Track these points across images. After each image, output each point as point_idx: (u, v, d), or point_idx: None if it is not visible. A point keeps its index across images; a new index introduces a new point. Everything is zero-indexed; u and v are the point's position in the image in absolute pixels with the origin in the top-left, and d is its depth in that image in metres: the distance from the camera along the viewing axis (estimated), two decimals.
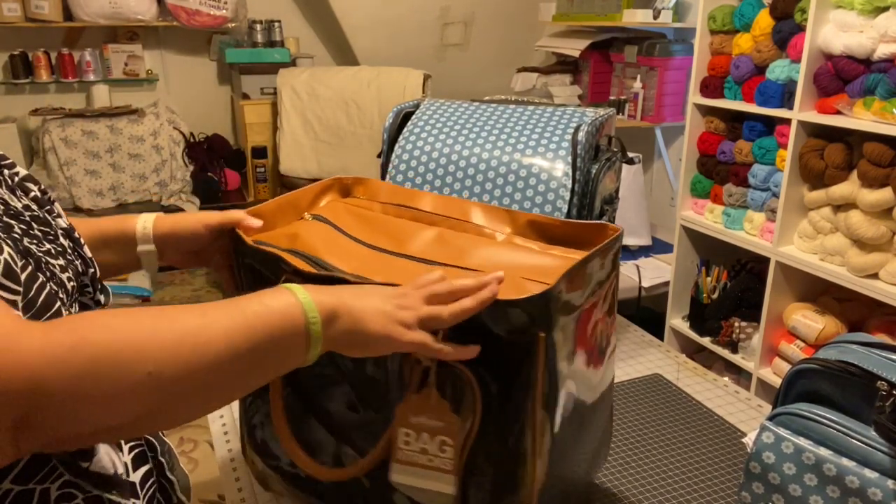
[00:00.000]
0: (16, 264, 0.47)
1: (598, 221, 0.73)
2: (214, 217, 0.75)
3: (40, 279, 0.49)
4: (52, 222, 0.57)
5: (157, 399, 0.45)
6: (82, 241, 0.59)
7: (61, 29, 2.79)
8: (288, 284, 0.55)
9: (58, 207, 0.60)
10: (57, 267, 0.53)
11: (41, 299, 0.48)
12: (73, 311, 0.54)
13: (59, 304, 0.50)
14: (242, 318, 0.50)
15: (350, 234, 0.76)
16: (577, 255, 0.67)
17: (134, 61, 2.91)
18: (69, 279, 0.54)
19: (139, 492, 0.58)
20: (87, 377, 0.42)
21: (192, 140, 2.96)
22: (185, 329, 0.47)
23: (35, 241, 0.52)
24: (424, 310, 0.58)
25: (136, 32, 2.91)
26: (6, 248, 0.47)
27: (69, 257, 0.56)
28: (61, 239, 0.56)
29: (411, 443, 0.62)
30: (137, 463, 0.59)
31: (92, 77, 2.85)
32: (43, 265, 0.51)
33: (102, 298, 0.60)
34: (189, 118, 3.02)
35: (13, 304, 0.46)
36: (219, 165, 2.97)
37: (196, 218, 0.75)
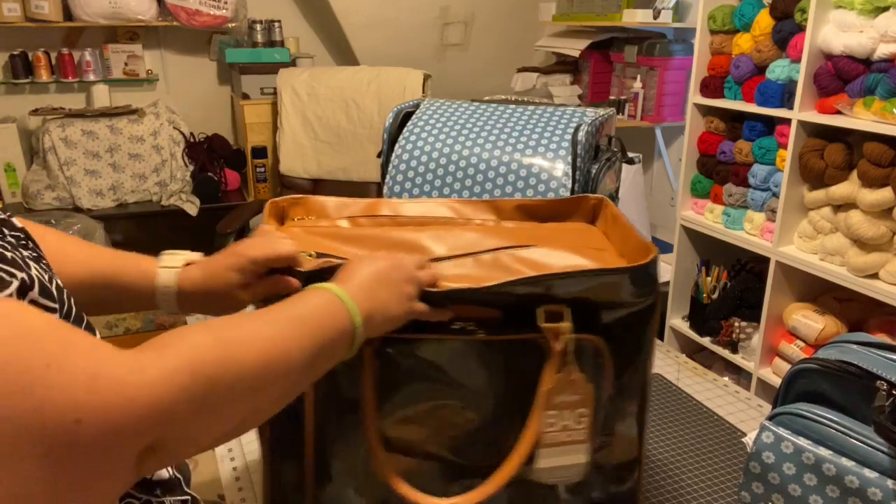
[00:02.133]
0: (45, 279, 0.47)
1: (578, 195, 0.82)
2: (256, 254, 0.65)
3: (64, 290, 0.49)
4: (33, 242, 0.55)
5: (256, 406, 0.49)
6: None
7: (61, 29, 2.79)
8: (323, 285, 0.58)
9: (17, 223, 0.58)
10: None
11: (75, 309, 0.49)
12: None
13: (84, 312, 0.51)
14: (305, 326, 0.53)
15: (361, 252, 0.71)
16: (572, 226, 0.79)
17: (134, 61, 2.91)
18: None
19: (185, 488, 0.62)
20: (209, 398, 0.44)
21: (192, 140, 2.96)
22: (268, 341, 0.49)
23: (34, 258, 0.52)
24: (421, 275, 0.63)
25: (136, 32, 2.91)
26: (33, 266, 0.47)
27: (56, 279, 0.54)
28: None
29: (555, 423, 0.63)
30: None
31: (92, 77, 2.85)
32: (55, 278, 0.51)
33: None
34: (189, 118, 3.02)
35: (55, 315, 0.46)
36: (219, 165, 2.97)
37: (218, 275, 0.66)
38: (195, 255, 0.69)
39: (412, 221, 0.79)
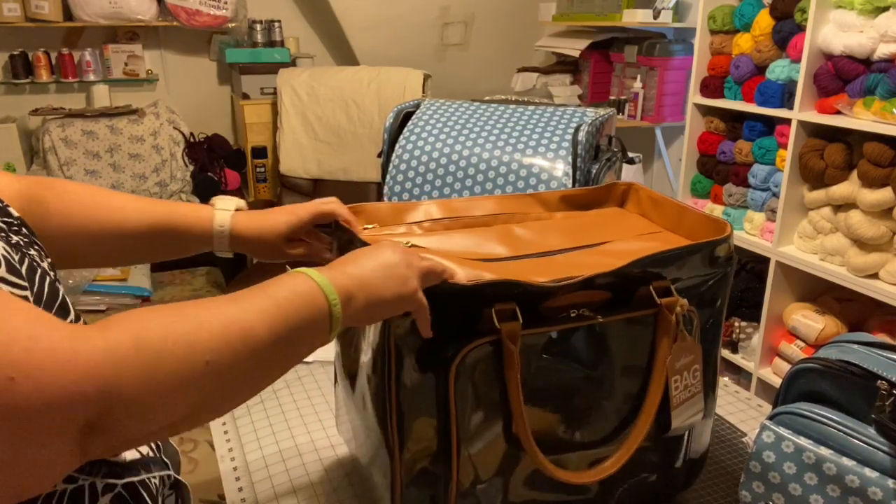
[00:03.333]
0: (13, 258, 0.46)
1: (610, 183, 0.89)
2: (304, 212, 0.75)
3: (39, 269, 0.49)
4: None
5: (213, 388, 0.46)
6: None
7: (61, 29, 2.79)
8: (301, 269, 0.56)
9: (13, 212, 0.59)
10: (38, 257, 0.53)
11: (46, 289, 0.48)
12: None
13: (62, 291, 0.50)
14: (275, 305, 0.50)
15: (457, 256, 0.72)
16: (611, 212, 0.87)
17: (134, 61, 2.91)
18: (51, 266, 0.54)
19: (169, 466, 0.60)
20: (154, 374, 0.42)
21: (192, 140, 2.96)
22: (228, 318, 0.47)
23: (25, 244, 0.52)
24: (425, 264, 0.61)
25: (136, 32, 2.91)
26: (0, 244, 0.46)
27: (44, 253, 0.56)
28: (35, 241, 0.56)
29: (679, 385, 0.71)
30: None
31: (92, 77, 2.85)
32: (29, 259, 0.51)
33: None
34: (189, 118, 3.02)
35: (24, 298, 0.45)
36: (219, 165, 2.97)
37: (280, 220, 0.75)
38: (242, 203, 0.77)
39: (477, 222, 0.82)
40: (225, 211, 0.74)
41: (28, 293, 0.46)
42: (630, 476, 0.75)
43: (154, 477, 0.57)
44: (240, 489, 0.86)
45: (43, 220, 0.66)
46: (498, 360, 0.63)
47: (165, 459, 0.62)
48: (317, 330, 0.54)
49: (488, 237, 0.77)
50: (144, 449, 0.58)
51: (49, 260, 0.55)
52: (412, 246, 0.72)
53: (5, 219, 0.53)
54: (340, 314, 0.55)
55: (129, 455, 0.55)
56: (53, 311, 0.48)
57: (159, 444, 0.64)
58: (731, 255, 0.75)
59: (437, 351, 0.63)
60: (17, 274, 0.46)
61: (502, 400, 0.64)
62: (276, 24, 2.97)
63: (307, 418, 1.00)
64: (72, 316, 0.51)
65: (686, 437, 0.77)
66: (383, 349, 0.64)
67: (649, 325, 0.70)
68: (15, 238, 0.52)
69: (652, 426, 0.71)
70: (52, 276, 0.51)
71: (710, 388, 0.78)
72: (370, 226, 0.80)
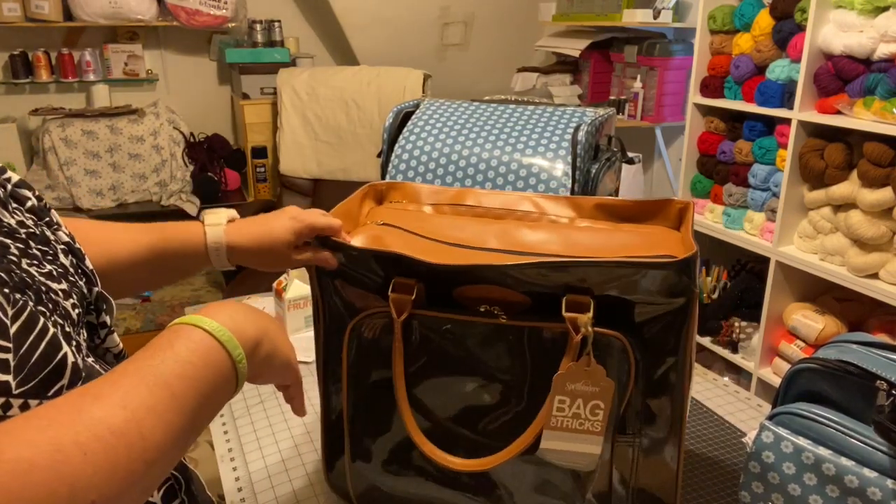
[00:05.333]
0: (5, 314, 0.41)
1: (664, 198, 0.80)
2: (311, 219, 0.71)
3: (39, 325, 0.43)
4: (52, 237, 0.52)
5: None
6: (83, 252, 0.55)
7: (61, 29, 2.80)
8: (190, 319, 0.48)
9: (55, 216, 0.55)
10: (60, 293, 0.47)
11: (39, 352, 0.42)
12: (80, 339, 0.49)
13: (62, 352, 0.44)
14: (169, 394, 0.42)
15: (424, 235, 0.75)
16: (648, 229, 0.75)
17: (134, 61, 2.91)
18: (74, 306, 0.49)
19: None
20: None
21: (192, 140, 2.96)
22: (113, 432, 0.38)
23: (35, 263, 0.47)
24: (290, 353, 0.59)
25: (136, 32, 2.91)
26: None
27: (71, 279, 0.50)
28: (61, 257, 0.51)
29: (565, 409, 0.65)
30: (167, 499, 0.56)
31: (92, 77, 2.85)
32: (44, 296, 0.45)
33: (108, 319, 0.55)
34: (189, 118, 3.02)
35: (4, 362, 0.40)
36: (219, 165, 2.97)
37: (284, 226, 0.71)
38: (233, 213, 0.73)
39: (489, 213, 0.82)
40: (216, 226, 0.71)
41: (10, 356, 0.41)
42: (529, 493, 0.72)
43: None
44: (239, 489, 0.86)
45: None
46: (390, 330, 0.68)
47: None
48: (223, 395, 0.48)
49: (488, 230, 0.76)
50: None
51: (72, 300, 0.49)
52: (385, 224, 0.75)
53: (41, 247, 0.49)
54: (246, 369, 0.50)
55: None
56: (42, 375, 0.42)
57: (194, 492, 0.62)
58: (681, 290, 0.63)
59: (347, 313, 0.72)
60: (3, 333, 0.41)
61: (389, 367, 0.70)
62: (276, 24, 2.97)
63: (307, 418, 1.00)
64: (64, 381, 0.44)
65: (608, 483, 0.70)
66: (315, 303, 0.75)
67: (557, 343, 0.65)
68: (34, 248, 0.48)
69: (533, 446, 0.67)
70: (61, 318, 0.46)
71: (661, 445, 0.69)
72: (399, 201, 0.84)
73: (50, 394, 0.43)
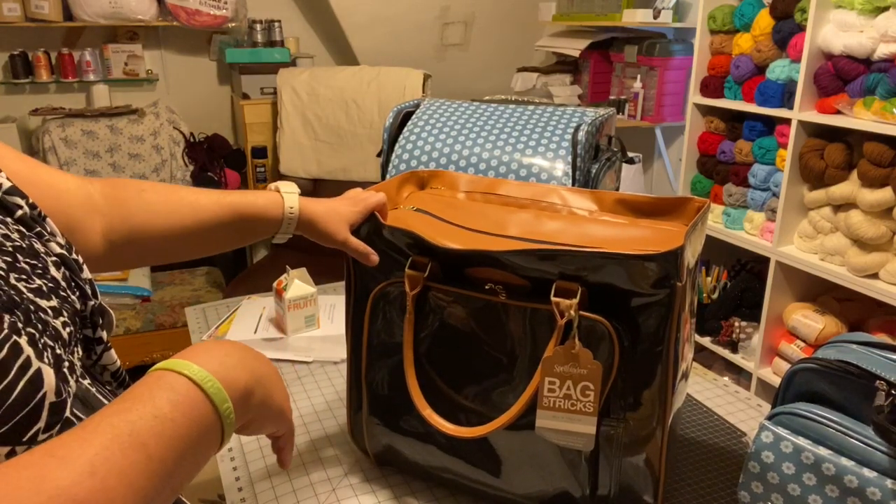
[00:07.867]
0: None
1: (683, 196, 0.81)
2: (364, 207, 0.78)
3: (21, 358, 0.39)
4: (43, 248, 0.49)
5: None
6: (80, 262, 0.51)
7: (61, 29, 2.80)
8: (176, 365, 0.44)
9: (51, 224, 0.51)
10: (50, 311, 0.44)
11: (19, 388, 0.39)
12: (74, 359, 0.47)
13: (41, 392, 0.40)
14: (145, 456, 0.38)
15: (450, 220, 0.81)
16: (666, 226, 0.77)
17: (134, 61, 2.91)
18: (65, 324, 0.46)
19: None
20: None
21: (192, 140, 2.96)
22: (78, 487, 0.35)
23: (24, 278, 0.44)
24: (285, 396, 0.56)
25: (136, 32, 2.91)
26: None
27: (63, 294, 0.47)
28: (52, 270, 0.48)
29: (556, 390, 0.69)
30: None
31: (92, 77, 2.85)
32: (33, 315, 0.42)
33: (104, 335, 0.52)
34: (189, 118, 3.02)
35: None
36: (219, 165, 2.97)
37: (347, 208, 0.77)
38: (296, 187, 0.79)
39: (516, 203, 0.87)
40: (293, 194, 0.76)
41: None
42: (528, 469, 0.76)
43: None
44: (239, 489, 0.86)
45: (125, 222, 0.67)
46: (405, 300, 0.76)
47: None
48: (207, 450, 0.44)
49: (511, 218, 0.82)
50: None
51: (63, 318, 0.46)
52: (418, 210, 0.83)
53: (30, 261, 0.46)
54: (234, 423, 0.46)
55: None
56: (18, 418, 0.39)
57: None
58: (664, 282, 0.66)
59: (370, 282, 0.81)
60: None
61: (401, 334, 0.78)
62: (276, 24, 2.97)
63: (307, 418, 1.00)
64: (41, 424, 0.41)
65: (594, 464, 0.73)
66: (347, 270, 0.84)
67: (549, 325, 0.70)
68: (22, 262, 0.45)
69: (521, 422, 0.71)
70: (51, 339, 0.43)
71: (644, 433, 0.71)
72: (438, 188, 0.92)
73: (24, 439, 0.40)
